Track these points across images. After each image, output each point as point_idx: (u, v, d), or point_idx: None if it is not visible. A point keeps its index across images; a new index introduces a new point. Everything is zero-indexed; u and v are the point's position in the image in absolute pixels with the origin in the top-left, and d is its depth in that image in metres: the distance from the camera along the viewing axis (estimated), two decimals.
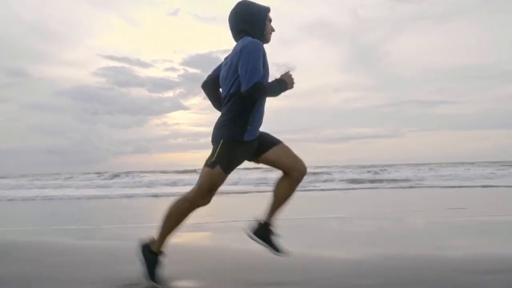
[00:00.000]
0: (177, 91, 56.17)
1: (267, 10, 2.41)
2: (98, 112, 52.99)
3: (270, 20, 2.45)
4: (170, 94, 56.95)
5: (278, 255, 2.64)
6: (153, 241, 2.47)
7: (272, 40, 2.62)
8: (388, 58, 54.13)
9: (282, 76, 2.33)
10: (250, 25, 2.33)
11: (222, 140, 2.32)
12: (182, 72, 53.16)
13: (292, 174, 2.49)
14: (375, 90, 60.42)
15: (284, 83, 2.31)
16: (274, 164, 2.51)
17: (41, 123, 50.11)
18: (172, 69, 59.31)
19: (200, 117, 63.65)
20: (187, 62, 53.48)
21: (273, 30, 2.47)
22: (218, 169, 2.32)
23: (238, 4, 2.41)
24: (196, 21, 54.03)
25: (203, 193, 2.36)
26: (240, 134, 2.33)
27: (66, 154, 51.00)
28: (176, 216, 2.38)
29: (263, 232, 2.59)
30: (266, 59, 2.32)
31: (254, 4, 2.41)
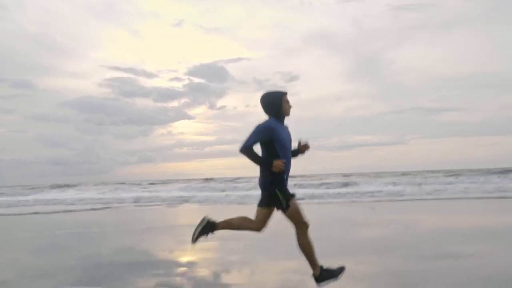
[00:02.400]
0: (182, 100, 56.43)
1: (282, 95, 3.22)
2: (103, 123, 53.24)
3: (287, 101, 3.24)
4: (175, 103, 57.25)
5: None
6: (314, 271, 3.16)
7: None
8: (391, 67, 54.13)
9: (275, 161, 3.05)
10: (270, 110, 3.22)
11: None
12: (186, 82, 53.50)
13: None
14: (378, 99, 60.36)
15: (268, 164, 3.07)
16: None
17: (46, 134, 50.44)
18: (177, 79, 59.75)
19: (204, 127, 63.99)
20: (192, 72, 53.89)
21: (290, 106, 3.28)
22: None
23: (262, 96, 3.27)
24: (200, 32, 54.50)
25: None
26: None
27: (70, 164, 51.17)
28: (308, 246, 3.16)
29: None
30: (281, 131, 3.16)
31: (272, 95, 3.24)
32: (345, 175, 34.07)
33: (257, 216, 3.28)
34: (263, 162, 3.11)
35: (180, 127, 62.28)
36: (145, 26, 58.43)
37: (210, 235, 3.26)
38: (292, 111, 3.29)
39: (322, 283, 3.13)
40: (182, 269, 3.94)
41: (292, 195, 3.16)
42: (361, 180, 23.08)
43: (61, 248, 5.45)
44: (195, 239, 3.22)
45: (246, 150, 3.08)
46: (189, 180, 35.01)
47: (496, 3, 49.17)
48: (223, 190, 19.49)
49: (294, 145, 3.36)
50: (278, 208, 3.15)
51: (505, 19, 50.87)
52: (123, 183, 30.77)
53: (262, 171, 3.21)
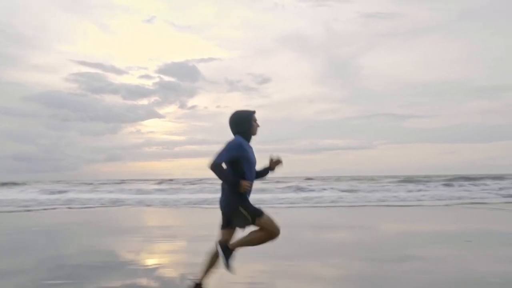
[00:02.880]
0: (152, 99, 55.50)
1: (251, 114, 3.25)
2: (69, 119, 51.48)
3: (255, 120, 3.25)
4: (144, 102, 56.18)
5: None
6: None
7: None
8: (361, 72, 55.68)
9: (242, 181, 3.03)
10: (239, 128, 3.22)
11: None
12: (157, 80, 52.69)
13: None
14: (348, 103, 61.83)
15: (236, 184, 3.04)
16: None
17: (8, 129, 48.04)
18: (147, 76, 58.71)
19: (175, 126, 63.07)
20: (163, 70, 53.07)
21: (258, 126, 3.29)
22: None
23: (231, 115, 3.27)
24: (172, 29, 53.91)
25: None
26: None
27: (34, 161, 49.07)
28: (255, 241, 3.13)
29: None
30: (249, 151, 3.16)
31: (241, 114, 3.25)
32: (308, 179, 34.68)
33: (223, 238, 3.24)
34: (232, 181, 3.06)
35: (149, 125, 61.11)
36: (116, 20, 57.10)
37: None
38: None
39: (220, 253, 3.08)
40: (149, 270, 3.87)
41: (261, 211, 3.10)
42: (316, 184, 23.78)
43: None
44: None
45: (216, 167, 3.03)
46: (146, 181, 33.59)
47: (459, 15, 51.65)
48: (176, 193, 18.69)
49: (259, 165, 3.30)
50: (243, 227, 3.10)
51: (468, 29, 53.49)
52: (77, 183, 29.30)
53: (225, 190, 3.17)
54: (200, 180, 31.21)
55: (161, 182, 31.22)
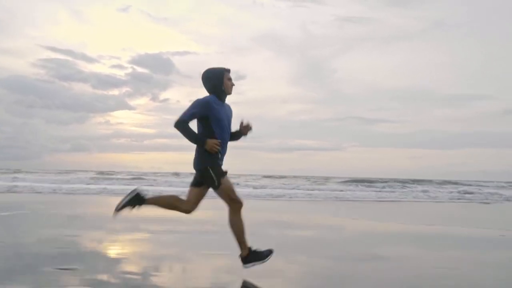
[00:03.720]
0: (124, 89, 54.21)
1: (224, 71, 3.12)
2: (34, 105, 49.42)
3: (229, 79, 3.13)
4: (115, 92, 54.72)
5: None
6: (242, 252, 3.14)
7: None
8: (335, 75, 56.58)
9: (209, 140, 2.96)
10: (211, 86, 3.12)
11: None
12: (130, 70, 51.42)
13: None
14: (321, 104, 62.71)
15: (202, 142, 2.98)
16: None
17: None
18: (120, 66, 57.28)
19: (145, 118, 61.89)
20: (136, 61, 51.98)
21: (233, 84, 3.16)
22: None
23: (203, 72, 3.16)
24: (147, 20, 52.73)
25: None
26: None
27: None
28: (238, 225, 3.13)
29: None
30: (220, 110, 3.06)
31: (213, 70, 3.14)
32: (281, 177, 35.42)
33: (188, 196, 3.16)
34: (197, 139, 2.99)
35: (119, 117, 59.62)
36: (89, 8, 55.26)
37: (136, 208, 3.12)
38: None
39: (249, 265, 3.10)
40: (110, 262, 3.76)
41: (224, 173, 3.07)
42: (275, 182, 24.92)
43: None
44: (119, 209, 3.09)
45: (181, 124, 2.96)
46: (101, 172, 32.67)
47: (434, 23, 53.44)
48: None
49: (235, 127, 3.25)
50: (209, 186, 3.06)
51: (441, 38, 55.46)
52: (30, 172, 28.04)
53: (196, 148, 3.08)
54: (156, 173, 30.97)
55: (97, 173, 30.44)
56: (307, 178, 35.62)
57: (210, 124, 3.01)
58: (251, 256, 3.09)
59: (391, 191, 20.17)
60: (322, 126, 62.48)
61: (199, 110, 2.99)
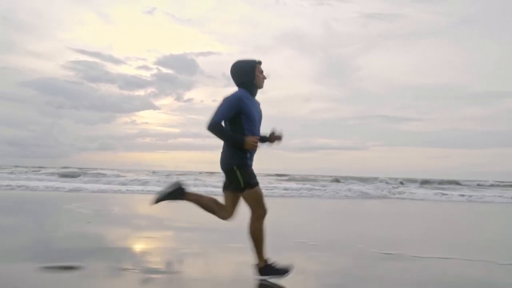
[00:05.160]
0: (149, 90, 55.15)
1: (255, 64, 2.89)
2: (63, 106, 51.08)
3: (261, 71, 2.92)
4: (141, 92, 55.82)
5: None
6: (259, 262, 2.96)
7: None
8: (358, 73, 55.64)
9: (247, 138, 2.72)
10: (241, 79, 2.88)
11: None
12: (155, 71, 52.35)
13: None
14: (344, 103, 61.88)
15: (240, 142, 2.74)
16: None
17: (3, 113, 47.58)
18: (145, 67, 58.40)
19: (170, 118, 62.81)
20: (161, 62, 52.78)
21: (265, 78, 2.94)
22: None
23: (233, 64, 2.91)
24: (172, 22, 53.42)
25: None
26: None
27: (26, 146, 48.68)
28: (259, 234, 2.91)
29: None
30: (251, 105, 2.84)
31: (244, 62, 2.91)
32: (306, 177, 34.85)
33: (225, 202, 2.98)
34: (235, 139, 2.72)
35: (144, 116, 60.71)
36: (116, 10, 56.55)
37: (175, 201, 2.98)
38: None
39: (264, 277, 2.94)
40: (135, 257, 3.92)
41: (254, 175, 2.83)
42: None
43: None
44: (158, 200, 2.94)
45: (214, 126, 2.72)
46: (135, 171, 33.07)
47: (460, 20, 51.90)
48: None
49: (265, 131, 3.03)
50: (235, 189, 2.83)
51: (468, 35, 53.81)
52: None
53: (223, 148, 2.86)
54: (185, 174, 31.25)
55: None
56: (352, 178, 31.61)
57: (240, 121, 2.79)
58: (268, 269, 2.93)
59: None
60: (345, 125, 61.63)
61: (230, 109, 2.76)
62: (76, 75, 50.85)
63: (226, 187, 2.94)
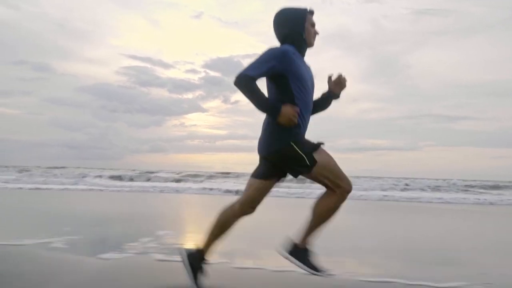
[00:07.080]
0: (197, 93, 56.63)
1: (305, 13, 2.23)
2: (117, 110, 54.00)
3: (312, 24, 2.28)
4: (189, 95, 57.52)
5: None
6: (301, 241, 2.39)
7: None
8: (408, 71, 53.40)
9: (285, 106, 2.08)
10: (286, 32, 2.21)
11: None
12: (203, 74, 53.71)
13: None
14: (393, 102, 59.72)
15: (274, 110, 2.08)
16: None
17: (61, 118, 51.50)
18: (193, 71, 60.15)
19: (217, 120, 64.20)
20: (208, 65, 54.03)
21: (317, 33, 2.30)
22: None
23: (276, 13, 2.24)
24: (219, 25, 54.55)
25: None
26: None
27: (84, 149, 52.16)
28: (325, 213, 2.29)
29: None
30: (302, 66, 2.21)
31: (290, 9, 2.24)
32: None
33: (247, 192, 2.28)
34: (267, 104, 2.06)
35: (193, 119, 62.53)
36: (165, 16, 58.76)
37: (204, 265, 2.39)
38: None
39: (290, 257, 2.35)
40: None
41: (318, 145, 2.14)
42: None
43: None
44: (194, 280, 2.35)
45: (245, 80, 2.04)
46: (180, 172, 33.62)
47: None
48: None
49: (316, 94, 2.35)
50: (295, 172, 2.11)
51: None
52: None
53: (265, 125, 2.22)
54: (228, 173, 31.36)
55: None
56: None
57: (288, 84, 2.13)
58: (302, 254, 2.33)
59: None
60: (395, 125, 59.35)
61: (273, 63, 2.07)
62: (128, 80, 53.55)
63: (260, 175, 2.27)
